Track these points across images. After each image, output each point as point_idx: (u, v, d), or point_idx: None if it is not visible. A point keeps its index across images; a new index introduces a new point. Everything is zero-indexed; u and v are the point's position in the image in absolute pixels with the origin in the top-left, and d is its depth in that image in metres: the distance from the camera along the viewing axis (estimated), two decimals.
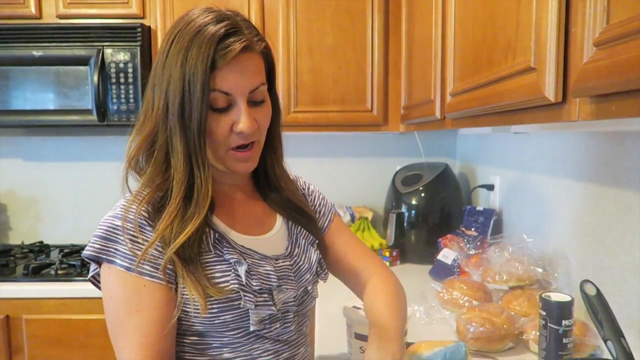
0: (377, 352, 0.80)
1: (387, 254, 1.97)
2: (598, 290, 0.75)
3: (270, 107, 0.86)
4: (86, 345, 1.72)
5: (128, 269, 0.74)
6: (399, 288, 0.98)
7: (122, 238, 0.75)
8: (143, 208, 0.77)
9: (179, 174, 0.77)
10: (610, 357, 0.68)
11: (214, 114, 0.77)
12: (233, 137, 0.79)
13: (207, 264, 0.78)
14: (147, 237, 0.75)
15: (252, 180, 0.95)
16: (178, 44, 0.76)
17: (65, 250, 2.07)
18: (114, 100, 1.95)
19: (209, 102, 0.76)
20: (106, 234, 0.76)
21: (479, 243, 1.65)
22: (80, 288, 1.76)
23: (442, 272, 1.68)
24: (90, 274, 0.81)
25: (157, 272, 0.75)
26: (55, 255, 2.07)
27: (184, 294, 0.75)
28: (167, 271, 0.75)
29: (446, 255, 1.72)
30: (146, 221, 0.76)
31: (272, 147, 0.91)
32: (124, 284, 0.75)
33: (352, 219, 2.22)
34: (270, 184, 0.94)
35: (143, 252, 0.74)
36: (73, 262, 1.89)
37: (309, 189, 1.04)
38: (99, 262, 0.77)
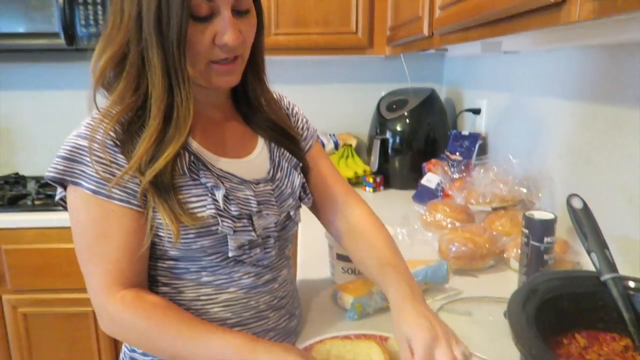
0: (411, 295, 0.73)
1: (371, 180, 1.96)
2: (584, 203, 0.73)
3: (256, 18, 0.77)
4: (69, 273, 1.72)
5: (95, 192, 0.70)
6: (381, 223, 0.94)
7: (87, 159, 0.70)
8: (111, 127, 0.71)
9: (157, 91, 0.70)
10: (593, 269, 0.68)
11: (195, 23, 0.69)
12: (215, 50, 0.72)
13: (182, 188, 0.73)
14: (115, 159, 0.70)
15: (231, 100, 0.89)
16: None
17: (42, 181, 2.02)
18: (82, 22, 1.83)
19: (190, 9, 0.68)
20: (70, 155, 0.70)
21: (463, 167, 1.63)
22: (58, 218, 1.73)
23: (425, 196, 1.67)
24: (58, 197, 0.76)
25: (126, 197, 0.71)
26: (31, 186, 2.03)
27: (157, 218, 0.72)
28: (138, 195, 0.71)
29: (430, 179, 1.71)
30: (114, 141, 0.71)
31: (254, 63, 0.83)
32: (90, 208, 0.71)
33: (336, 147, 2.18)
34: (250, 104, 0.88)
35: (119, 177, 0.69)
36: (50, 193, 1.85)
37: (293, 109, 0.97)
38: (64, 184, 0.73)
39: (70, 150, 0.70)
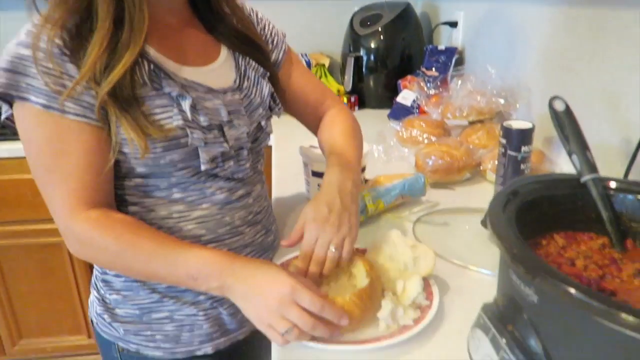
0: (337, 176, 0.76)
1: (346, 100, 1.90)
2: (567, 105, 0.70)
3: None
4: (35, 204, 1.65)
5: (46, 106, 0.63)
6: (355, 121, 0.94)
7: (33, 70, 0.62)
8: (56, 34, 0.63)
9: None
10: (574, 172, 0.66)
11: None
12: None
13: (144, 100, 0.67)
14: (65, 69, 0.63)
15: (189, 6, 0.80)
16: None
17: None
18: None
19: None
20: (13, 66, 0.63)
21: (439, 83, 1.58)
22: (17, 147, 1.63)
23: (401, 114, 1.63)
24: (4, 116, 0.69)
25: (82, 111, 0.64)
26: None
27: (120, 134, 0.66)
28: (96, 109, 0.65)
29: (405, 96, 1.67)
30: (61, 50, 0.63)
31: None
32: (43, 125, 0.65)
33: (309, 67, 2.10)
34: (212, 9, 0.80)
35: (71, 88, 0.62)
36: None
37: (257, 15, 0.90)
38: (9, 101, 0.65)
39: (12, 61, 0.63)
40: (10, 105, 0.66)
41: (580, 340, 0.45)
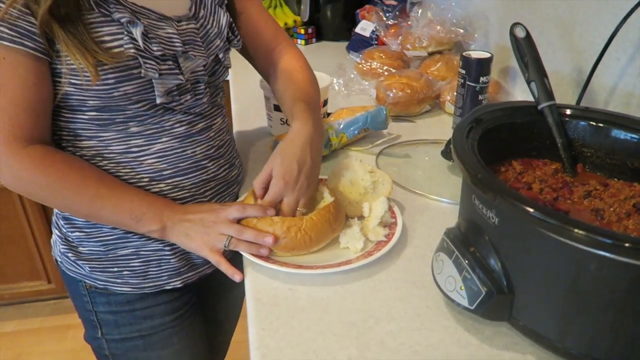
0: (309, 128, 0.75)
1: (302, 31, 1.84)
2: (527, 32, 0.71)
3: None
4: None
5: None
6: (310, 66, 0.91)
7: None
8: None
9: None
10: (532, 99, 0.68)
11: None
12: None
13: (92, 26, 0.63)
14: None
15: None
16: None
17: None
18: None
19: None
20: None
21: (398, 12, 1.55)
22: None
23: (360, 45, 1.60)
24: None
25: (18, 37, 0.59)
26: None
27: (68, 63, 0.62)
28: (34, 36, 0.60)
29: (364, 27, 1.63)
30: None
31: None
32: None
33: None
34: None
35: (4, 11, 0.57)
36: None
37: None
38: None
39: None
40: None
41: (536, 257, 0.49)
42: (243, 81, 1.35)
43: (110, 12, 0.64)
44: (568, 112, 0.67)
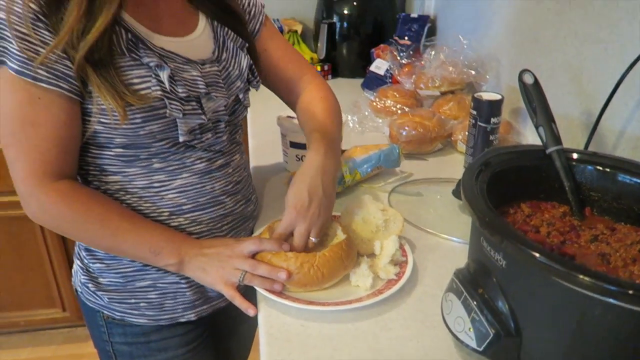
0: (321, 157, 0.78)
1: (319, 68, 1.90)
2: (535, 78, 0.74)
3: None
4: (2, 175, 1.62)
5: (19, 72, 0.62)
6: (335, 99, 0.95)
7: (8, 34, 0.61)
8: None
9: None
10: (539, 144, 0.71)
11: None
12: None
13: (122, 70, 0.67)
14: (41, 35, 0.62)
15: None
16: None
17: None
18: None
19: None
20: None
21: (412, 52, 1.60)
22: None
23: (374, 83, 1.65)
24: None
25: (55, 80, 0.64)
26: None
27: (99, 104, 0.66)
28: (69, 79, 0.64)
29: (379, 65, 1.68)
30: (37, 15, 0.62)
31: None
32: (15, 91, 0.64)
33: (281, 33, 2.07)
34: None
35: (47, 52, 0.62)
36: None
37: None
38: None
39: None
40: None
41: (542, 300, 0.50)
42: (260, 118, 1.39)
43: (140, 57, 0.68)
44: (575, 156, 0.69)
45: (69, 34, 0.62)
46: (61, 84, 0.64)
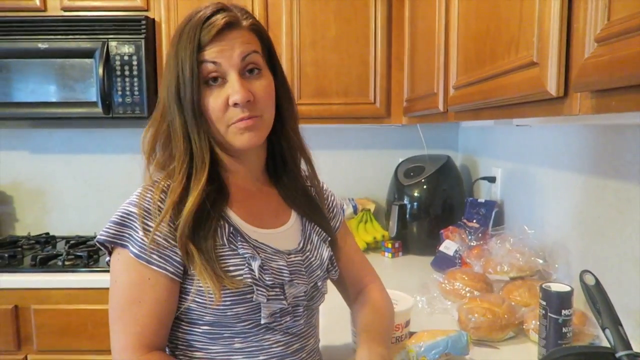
0: (367, 355, 0.83)
1: (390, 245, 1.99)
2: (597, 280, 0.76)
3: (271, 79, 0.84)
4: (94, 335, 1.75)
5: (137, 255, 0.76)
6: (388, 298, 1.03)
7: (136, 224, 0.77)
8: (158, 197, 0.79)
9: (179, 153, 0.80)
10: (608, 345, 0.70)
11: (208, 89, 0.79)
12: (231, 111, 0.79)
13: (221, 258, 0.79)
14: (161, 229, 0.78)
15: (266, 173, 0.95)
16: (176, 36, 0.79)
17: (72, 242, 2.10)
18: (119, 92, 1.95)
19: (200, 76, 0.78)
20: (121, 220, 0.78)
21: (480, 235, 1.67)
22: (87, 279, 1.78)
23: (443, 263, 1.70)
24: (108, 258, 0.82)
25: (163, 263, 0.77)
26: (61, 247, 2.10)
27: (197, 285, 0.78)
28: (176, 263, 0.77)
29: (448, 246, 1.74)
30: (160, 210, 0.78)
31: (284, 130, 0.91)
32: (130, 271, 0.78)
33: (355, 211, 2.24)
34: (287, 170, 0.94)
35: (153, 231, 0.76)
36: (79, 254, 1.91)
37: (323, 186, 1.04)
38: (110, 247, 0.79)
39: (122, 216, 0.78)
40: (109, 250, 0.80)
41: None
42: (331, 298, 1.45)
43: (237, 248, 0.81)
44: None
45: (169, 210, 0.76)
46: (168, 267, 0.77)
